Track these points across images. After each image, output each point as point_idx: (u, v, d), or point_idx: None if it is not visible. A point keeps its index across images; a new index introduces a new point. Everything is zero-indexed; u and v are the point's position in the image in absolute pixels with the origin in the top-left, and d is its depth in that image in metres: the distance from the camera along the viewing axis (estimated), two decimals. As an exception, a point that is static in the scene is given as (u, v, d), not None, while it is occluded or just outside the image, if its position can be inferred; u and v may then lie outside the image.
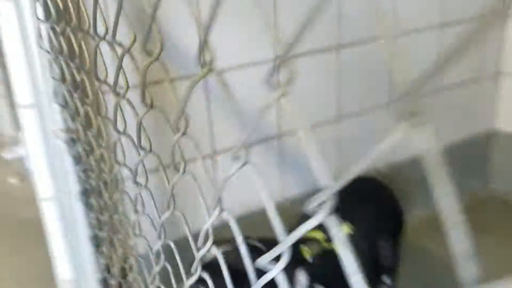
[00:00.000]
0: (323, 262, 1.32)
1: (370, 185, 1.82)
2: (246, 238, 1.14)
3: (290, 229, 0.75)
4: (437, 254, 2.29)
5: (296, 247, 1.24)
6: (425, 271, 2.27)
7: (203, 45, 0.41)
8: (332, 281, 1.29)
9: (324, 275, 1.32)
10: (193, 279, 0.89)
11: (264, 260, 0.72)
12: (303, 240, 1.38)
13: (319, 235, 1.40)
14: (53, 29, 0.88)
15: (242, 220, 1.75)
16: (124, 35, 0.59)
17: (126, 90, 0.63)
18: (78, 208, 1.13)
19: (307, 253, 1.32)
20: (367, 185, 1.79)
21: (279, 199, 1.89)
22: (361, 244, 1.48)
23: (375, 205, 1.68)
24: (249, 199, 1.75)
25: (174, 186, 0.65)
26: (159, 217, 0.71)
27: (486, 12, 0.25)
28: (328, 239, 1.41)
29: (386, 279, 1.71)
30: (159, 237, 0.77)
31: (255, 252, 0.98)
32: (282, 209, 1.81)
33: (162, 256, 0.82)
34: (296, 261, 1.28)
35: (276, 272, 0.71)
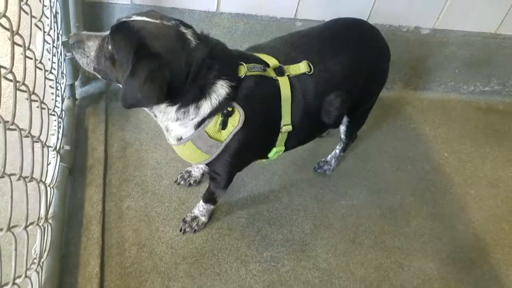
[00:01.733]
0: (250, 85, 1.34)
1: (360, 32, 1.70)
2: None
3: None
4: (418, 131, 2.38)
5: (234, 61, 1.34)
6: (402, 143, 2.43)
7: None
8: (252, 106, 1.36)
9: (246, 97, 1.34)
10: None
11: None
12: (251, 59, 1.41)
13: (272, 62, 1.42)
14: None
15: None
16: None
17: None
18: None
19: (243, 71, 1.33)
20: (356, 31, 1.69)
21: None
22: (309, 90, 1.47)
23: (350, 55, 1.58)
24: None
25: None
26: None
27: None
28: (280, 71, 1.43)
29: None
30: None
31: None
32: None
33: None
34: (227, 73, 1.30)
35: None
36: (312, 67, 1.45)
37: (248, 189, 2.00)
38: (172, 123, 1.37)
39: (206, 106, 1.30)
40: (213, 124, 1.33)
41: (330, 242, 1.87)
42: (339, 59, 1.54)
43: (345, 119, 1.82)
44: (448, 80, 2.81)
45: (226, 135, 1.35)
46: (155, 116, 1.39)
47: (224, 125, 1.33)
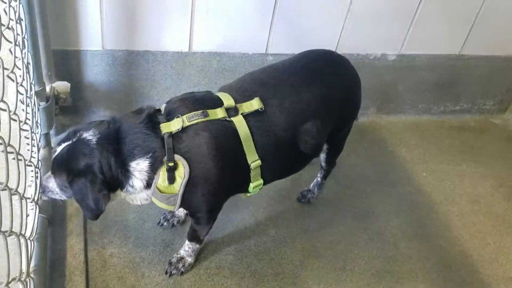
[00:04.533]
0: (190, 135, 1.39)
1: (329, 61, 1.75)
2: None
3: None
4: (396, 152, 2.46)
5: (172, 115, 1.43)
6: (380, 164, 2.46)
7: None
8: (200, 154, 1.39)
9: (189, 148, 1.38)
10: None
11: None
12: (203, 101, 1.47)
13: (228, 102, 1.45)
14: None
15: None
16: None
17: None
18: None
19: (175, 125, 1.38)
20: (325, 61, 1.74)
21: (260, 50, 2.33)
22: (277, 123, 1.50)
23: (322, 85, 1.62)
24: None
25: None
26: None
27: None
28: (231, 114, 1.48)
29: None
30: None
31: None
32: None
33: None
34: (139, 150, 1.37)
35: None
36: (265, 104, 1.48)
37: (233, 224, 1.98)
38: (130, 196, 1.47)
39: (137, 182, 1.39)
40: (161, 180, 1.39)
41: (320, 272, 1.85)
42: (312, 90, 1.57)
43: (324, 147, 1.84)
44: (418, 102, 2.89)
45: (177, 187, 1.40)
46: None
47: (171, 180, 1.38)
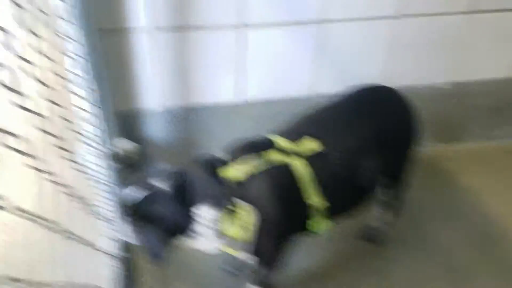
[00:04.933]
0: (251, 183, 1.42)
1: (380, 95, 1.75)
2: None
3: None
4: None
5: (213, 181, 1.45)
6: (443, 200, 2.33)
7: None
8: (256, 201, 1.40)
9: (248, 197, 1.41)
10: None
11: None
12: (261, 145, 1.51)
13: (278, 156, 1.47)
14: None
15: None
16: None
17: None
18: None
19: (236, 170, 1.43)
20: (375, 95, 1.74)
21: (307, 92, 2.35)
22: (332, 163, 1.49)
23: (375, 118, 1.62)
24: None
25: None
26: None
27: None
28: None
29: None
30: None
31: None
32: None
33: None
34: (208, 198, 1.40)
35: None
36: (322, 144, 1.50)
37: (296, 267, 1.95)
38: (195, 243, 1.50)
39: (202, 229, 1.43)
40: (226, 226, 1.43)
41: (395, 313, 1.77)
42: (365, 125, 1.59)
43: (386, 182, 1.81)
44: (477, 129, 2.80)
45: (242, 233, 1.43)
46: None
47: (236, 226, 1.42)
